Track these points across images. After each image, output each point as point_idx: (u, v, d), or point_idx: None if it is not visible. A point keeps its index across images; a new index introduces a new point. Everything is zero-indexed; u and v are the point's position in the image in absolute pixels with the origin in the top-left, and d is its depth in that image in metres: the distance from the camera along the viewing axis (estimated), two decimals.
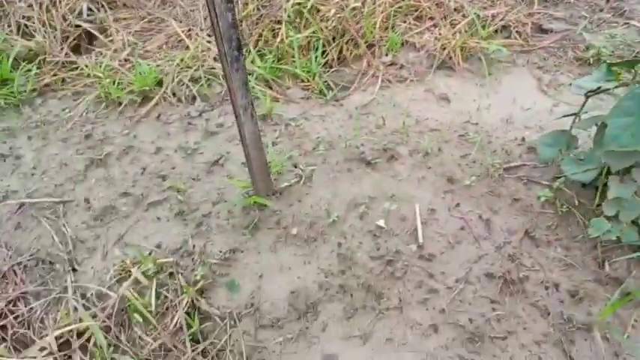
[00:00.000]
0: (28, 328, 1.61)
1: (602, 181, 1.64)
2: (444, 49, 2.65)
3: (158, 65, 2.53)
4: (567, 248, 1.70)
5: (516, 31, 2.80)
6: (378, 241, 1.78)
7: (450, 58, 2.64)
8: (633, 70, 1.60)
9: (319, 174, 2.02)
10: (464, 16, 2.80)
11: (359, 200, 1.90)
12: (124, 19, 2.88)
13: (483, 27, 2.74)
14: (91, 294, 1.68)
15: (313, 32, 2.62)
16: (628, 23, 2.81)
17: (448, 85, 2.54)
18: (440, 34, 2.73)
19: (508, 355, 1.52)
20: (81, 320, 1.57)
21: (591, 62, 2.58)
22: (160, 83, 2.47)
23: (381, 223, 1.81)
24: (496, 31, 2.81)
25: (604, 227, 1.56)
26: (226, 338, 1.59)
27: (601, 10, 2.94)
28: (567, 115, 1.79)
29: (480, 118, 2.30)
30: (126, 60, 2.60)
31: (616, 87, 1.61)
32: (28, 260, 1.78)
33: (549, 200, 1.81)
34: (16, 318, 1.62)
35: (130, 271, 1.71)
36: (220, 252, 1.79)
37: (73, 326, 1.57)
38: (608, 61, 1.74)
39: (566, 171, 1.70)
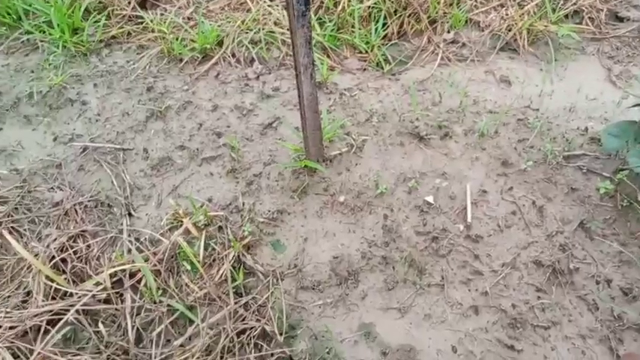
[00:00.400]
0: (86, 264, 1.70)
1: None
2: (510, 30, 2.55)
3: (220, 25, 2.56)
4: (624, 244, 1.64)
5: (589, 17, 2.65)
6: (425, 217, 1.78)
7: (515, 40, 2.54)
8: None
9: (370, 145, 2.02)
10: None
11: (409, 175, 1.89)
12: None
13: (554, 10, 2.62)
14: (145, 238, 1.76)
15: (375, 3, 2.58)
16: None
17: (510, 68, 2.46)
18: (506, 14, 2.63)
19: (549, 346, 1.50)
20: (134, 262, 1.65)
21: None
22: (220, 43, 2.50)
23: (430, 199, 1.80)
24: (567, 15, 2.67)
25: None
26: (268, 295, 1.64)
27: None
28: (638, 105, 1.70)
29: (542, 104, 2.22)
30: (189, 18, 2.64)
31: None
32: (89, 201, 1.88)
33: (609, 193, 1.74)
34: (75, 253, 1.72)
35: (181, 221, 1.77)
36: (268, 211, 1.83)
37: (126, 266, 1.65)
38: None
39: (631, 163, 1.63)
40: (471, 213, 1.75)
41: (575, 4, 2.68)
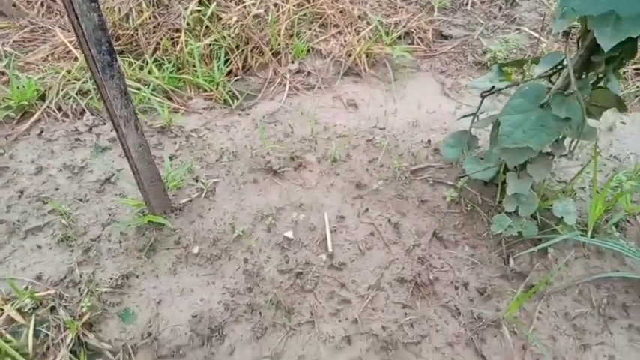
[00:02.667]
0: None
1: (501, 179, 1.67)
2: (350, 55, 2.64)
3: (41, 78, 2.28)
4: (474, 246, 1.71)
5: (419, 38, 2.86)
6: (287, 253, 1.69)
7: (357, 64, 2.63)
8: (523, 70, 1.65)
9: (223, 187, 1.90)
10: (368, 23, 2.81)
11: (265, 212, 1.80)
12: (1, 28, 2.59)
13: (387, 34, 2.77)
14: None
15: (215, 40, 2.51)
16: (519, 29, 2.97)
17: (356, 92, 2.53)
18: (345, 40, 2.73)
19: None
20: None
21: (489, 65, 2.69)
22: (43, 97, 2.22)
23: (289, 234, 1.72)
24: (400, 37, 2.85)
25: (505, 223, 1.58)
26: None
27: (495, 17, 3.09)
28: (466, 116, 1.81)
29: (387, 122, 2.30)
30: (2, 73, 2.32)
31: (508, 86, 1.65)
32: None
33: (454, 200, 1.81)
34: None
35: (1, 309, 1.47)
36: (111, 278, 1.60)
37: None
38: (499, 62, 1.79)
39: (467, 170, 1.72)
40: (332, 241, 1.70)
41: (404, 26, 2.87)
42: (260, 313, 1.57)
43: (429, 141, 2.15)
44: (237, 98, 2.39)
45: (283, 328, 1.54)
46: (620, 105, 1.30)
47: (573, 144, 1.48)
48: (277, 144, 2.10)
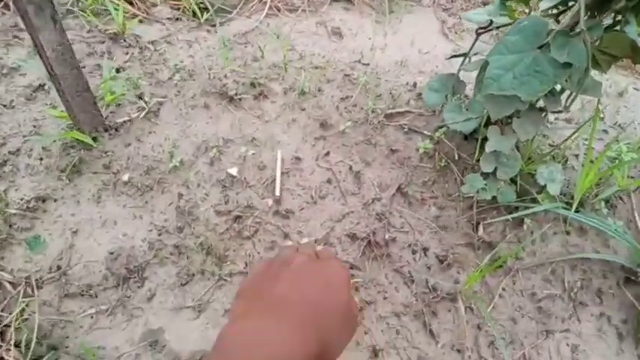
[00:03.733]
0: None
1: (482, 133, 1.43)
2: None
3: None
4: (441, 208, 1.50)
5: None
6: (228, 192, 1.48)
7: None
8: (529, 7, 1.37)
9: (169, 108, 1.66)
10: None
11: (212, 142, 1.58)
12: None
13: None
14: None
15: None
16: None
17: (343, 20, 2.23)
18: None
19: (362, 329, 1.31)
20: None
21: None
22: None
23: (234, 171, 1.50)
24: None
25: (478, 184, 1.36)
26: (17, 312, 1.24)
27: None
28: (456, 56, 1.55)
29: (373, 58, 2.02)
30: None
31: (508, 24, 1.37)
32: None
33: (428, 153, 1.58)
34: None
35: None
36: (23, 199, 1.40)
37: None
38: None
39: (446, 119, 1.47)
40: (281, 184, 1.49)
41: None
42: (188, 257, 1.38)
43: (415, 84, 1.89)
44: (208, 10, 2.09)
45: (212, 276, 1.36)
46: (637, 54, 1.04)
47: (571, 98, 1.23)
48: (243, 67, 1.83)
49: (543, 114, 1.34)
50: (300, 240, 1.42)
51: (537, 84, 1.14)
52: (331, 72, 1.89)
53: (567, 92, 1.25)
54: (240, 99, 1.69)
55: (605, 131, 1.78)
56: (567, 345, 1.34)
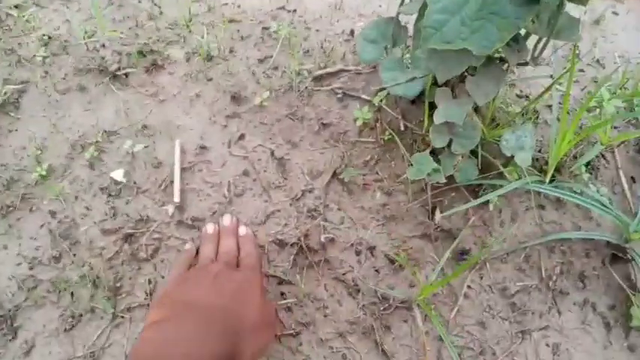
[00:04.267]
0: None
1: (430, 95, 1.11)
2: None
3: None
4: (388, 193, 1.21)
5: None
6: (115, 203, 1.15)
7: None
8: None
9: (33, 97, 1.28)
10: None
11: (90, 138, 1.22)
12: None
13: None
14: None
15: None
16: None
17: None
18: None
19: (301, 357, 1.05)
20: None
21: None
22: None
23: (118, 175, 1.16)
24: None
25: (427, 166, 1.06)
26: None
27: None
28: None
29: (301, 2, 1.63)
30: None
31: None
32: None
33: (369, 124, 1.26)
34: None
35: None
36: None
37: None
38: None
39: (384, 81, 1.15)
40: (183, 185, 1.16)
41: None
42: (71, 293, 1.07)
43: (352, 31, 1.53)
44: None
45: (105, 314, 1.07)
46: None
47: (541, 45, 0.91)
48: (131, 30, 1.44)
49: (505, 65, 1.03)
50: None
51: (494, 31, 0.81)
52: (248, 25, 1.51)
53: (534, 37, 0.93)
54: (126, 74, 1.32)
55: (582, 70, 1.48)
56: (547, 345, 1.11)
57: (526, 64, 0.93)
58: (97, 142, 1.20)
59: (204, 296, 0.75)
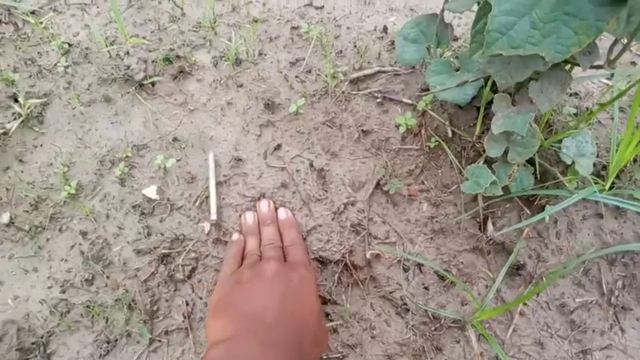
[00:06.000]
0: None
1: (485, 99, 1.03)
2: None
3: None
4: (436, 204, 1.13)
5: None
6: (148, 221, 1.09)
7: None
8: None
9: (57, 109, 1.22)
10: None
11: (119, 153, 1.16)
12: None
13: None
14: None
15: None
16: None
17: None
18: None
19: None
20: None
21: None
22: None
23: (151, 192, 1.10)
24: None
25: (485, 180, 0.98)
26: None
27: None
28: None
29: None
30: None
31: None
32: None
33: (412, 130, 1.19)
34: None
35: None
36: None
37: None
38: None
39: (431, 84, 1.07)
40: (219, 200, 1.10)
41: None
42: (106, 317, 1.02)
43: (385, 28, 1.44)
44: None
45: (142, 339, 1.01)
46: None
47: (619, 46, 0.83)
48: (154, 35, 1.37)
49: (568, 66, 0.94)
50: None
51: (570, 34, 0.73)
52: (275, 25, 1.44)
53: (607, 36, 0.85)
54: (152, 83, 1.25)
55: (634, 63, 1.39)
56: None
57: (600, 67, 0.84)
58: (126, 156, 1.13)
59: (267, 309, 0.75)
